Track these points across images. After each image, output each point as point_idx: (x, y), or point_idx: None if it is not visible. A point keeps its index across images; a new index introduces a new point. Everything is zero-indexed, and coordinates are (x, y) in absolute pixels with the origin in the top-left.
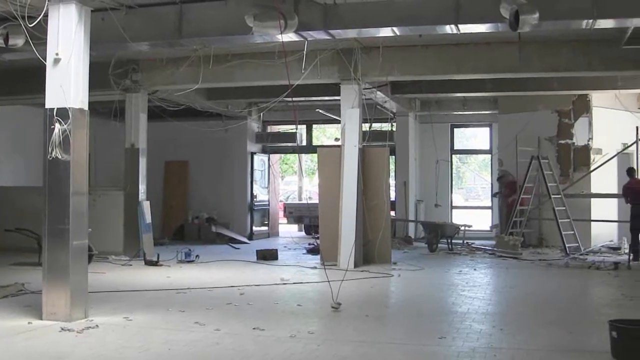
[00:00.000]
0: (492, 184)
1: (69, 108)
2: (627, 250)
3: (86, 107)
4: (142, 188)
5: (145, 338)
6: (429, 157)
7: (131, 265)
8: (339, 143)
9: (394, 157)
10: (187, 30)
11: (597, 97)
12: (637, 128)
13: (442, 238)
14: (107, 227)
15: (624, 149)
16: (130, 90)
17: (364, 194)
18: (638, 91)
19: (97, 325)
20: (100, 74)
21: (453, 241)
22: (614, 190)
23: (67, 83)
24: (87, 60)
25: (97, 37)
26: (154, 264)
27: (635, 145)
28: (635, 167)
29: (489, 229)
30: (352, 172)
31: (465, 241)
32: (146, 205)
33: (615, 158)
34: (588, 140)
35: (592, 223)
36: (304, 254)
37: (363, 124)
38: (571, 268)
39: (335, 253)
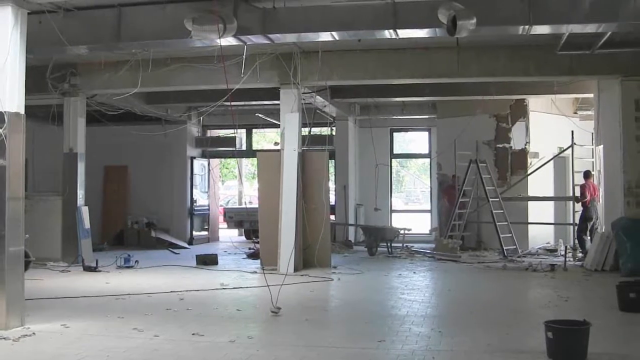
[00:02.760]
0: (431, 188)
1: (5, 112)
2: (562, 252)
3: (23, 111)
4: (80, 193)
5: (83, 345)
6: (369, 161)
7: (69, 271)
8: (278, 147)
9: (333, 161)
10: (125, 34)
11: (534, 102)
12: (572, 132)
13: (381, 242)
14: (45, 233)
15: (559, 153)
16: (68, 94)
17: (303, 198)
18: (573, 96)
19: (33, 333)
20: (37, 77)
21: (393, 245)
22: (551, 193)
23: (3, 87)
24: (23, 64)
25: (34, 40)
26: (93, 270)
27: (570, 149)
28: (590, 171)
29: (428, 232)
30: (291, 176)
31: (404, 244)
32: (85, 211)
33: (552, 161)
34: (525, 144)
35: (530, 225)
36: (244, 258)
37: (302, 128)
38: (509, 270)
39: (275, 257)
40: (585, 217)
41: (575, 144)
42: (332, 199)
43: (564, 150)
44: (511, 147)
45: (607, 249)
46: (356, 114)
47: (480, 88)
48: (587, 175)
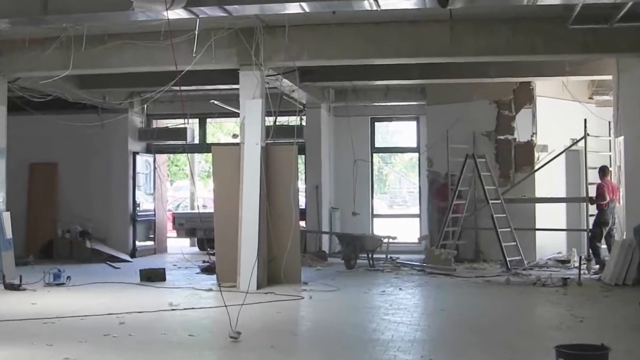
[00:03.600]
0: (420, 188)
1: None
2: (576, 264)
3: None
4: (0, 196)
5: None
6: (346, 156)
7: None
8: (237, 140)
9: (303, 156)
10: (54, 5)
11: (542, 86)
12: (584, 121)
13: (361, 252)
14: None
15: (571, 145)
16: None
17: (268, 201)
18: (588, 78)
19: None
20: None
21: (374, 256)
22: (562, 193)
23: None
24: None
25: None
26: (16, 288)
27: (583, 140)
28: (607, 166)
29: (417, 241)
30: (253, 175)
31: (389, 256)
32: (6, 217)
33: (563, 156)
34: (531, 136)
35: (537, 232)
36: (197, 273)
37: (267, 118)
38: (513, 285)
39: (235, 272)
40: (600, 221)
41: (588, 134)
42: (302, 202)
43: (576, 142)
44: (515, 139)
45: (630, 259)
46: (330, 101)
47: (478, 69)
48: (603, 172)
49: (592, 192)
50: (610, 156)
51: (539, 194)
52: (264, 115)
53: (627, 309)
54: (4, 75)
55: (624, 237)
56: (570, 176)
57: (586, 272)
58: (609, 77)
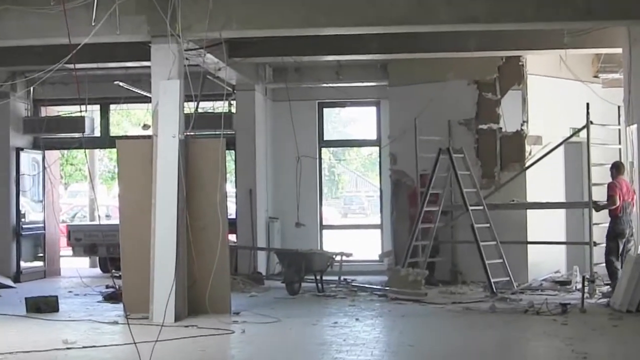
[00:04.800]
0: (381, 191)
1: None
2: (578, 286)
3: None
4: None
5: None
6: (287, 152)
7: None
8: (149, 132)
9: (233, 152)
10: None
11: (534, 62)
12: (587, 106)
13: (307, 274)
14: None
15: (572, 136)
16: None
17: (188, 210)
18: (592, 52)
19: None
20: None
21: (324, 278)
22: (561, 197)
23: None
24: None
25: None
26: None
27: (586, 130)
28: (622, 162)
29: (378, 258)
30: (169, 176)
31: (342, 278)
32: None
33: (562, 150)
34: (521, 125)
35: (530, 247)
36: (99, 302)
37: (186, 104)
38: (499, 314)
39: (147, 300)
40: (615, 231)
41: (592, 122)
42: (232, 211)
43: (577, 132)
44: (500, 128)
45: None
46: (267, 81)
47: (453, 41)
48: (617, 168)
49: (597, 195)
50: (620, 149)
51: (531, 198)
52: (183, 100)
53: None
54: None
55: (639, 252)
56: (571, 175)
57: (588, 295)
58: (619, 51)
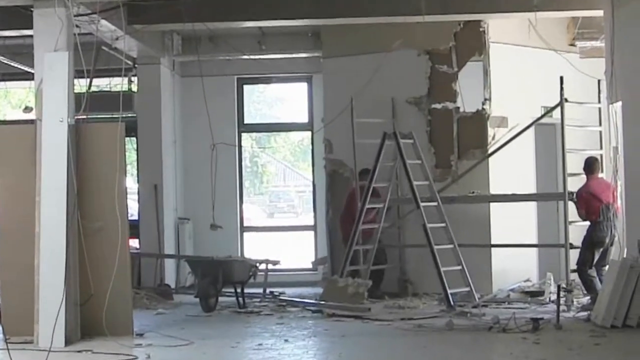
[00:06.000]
0: (314, 186)
1: None
2: (552, 297)
3: None
4: None
5: None
6: (200, 138)
7: None
8: (32, 116)
9: (134, 139)
10: None
11: (498, 27)
12: (561, 80)
13: (226, 286)
14: None
15: (543, 116)
16: None
17: (80, 210)
18: (567, 15)
19: None
20: None
21: (247, 291)
22: (532, 189)
23: None
24: None
25: None
26: None
27: (560, 108)
28: (596, 158)
29: (311, 266)
30: (57, 168)
31: (268, 290)
32: None
33: (531, 133)
34: (483, 103)
35: (494, 250)
36: None
37: (77, 81)
38: (458, 331)
39: (30, 320)
40: (593, 239)
41: (567, 100)
42: (134, 210)
43: (550, 112)
44: (458, 108)
45: (633, 287)
46: (175, 53)
47: (400, 3)
48: (589, 168)
49: (573, 186)
50: (600, 132)
51: (494, 191)
52: (73, 77)
53: None
54: None
55: (624, 256)
56: (542, 164)
57: (567, 308)
58: (599, 13)
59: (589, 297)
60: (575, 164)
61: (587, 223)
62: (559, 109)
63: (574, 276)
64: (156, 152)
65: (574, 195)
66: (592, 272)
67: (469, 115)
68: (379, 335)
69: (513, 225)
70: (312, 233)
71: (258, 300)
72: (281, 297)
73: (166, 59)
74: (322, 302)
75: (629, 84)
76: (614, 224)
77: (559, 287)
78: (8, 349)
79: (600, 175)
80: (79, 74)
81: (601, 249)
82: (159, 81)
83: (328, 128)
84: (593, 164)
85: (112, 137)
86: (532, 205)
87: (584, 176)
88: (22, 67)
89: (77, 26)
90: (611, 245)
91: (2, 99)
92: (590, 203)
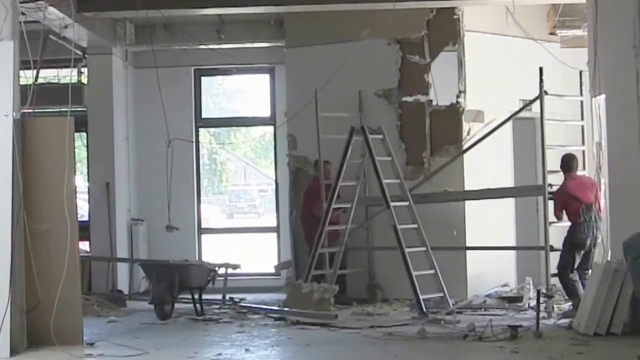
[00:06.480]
0: (277, 184)
1: None
2: (532, 302)
3: None
4: None
5: None
6: (155, 134)
7: None
8: None
9: (84, 134)
10: None
11: (474, 15)
12: (540, 71)
13: (183, 292)
14: None
15: (521, 109)
16: None
17: (26, 210)
18: (548, 1)
19: None
20: None
21: (205, 297)
22: (510, 183)
23: None
24: None
25: None
26: None
27: (539, 101)
28: (574, 155)
29: (274, 271)
30: (1, 166)
31: (228, 296)
32: None
33: (509, 128)
34: (457, 96)
35: (470, 253)
36: None
37: (22, 72)
38: (431, 340)
39: None
40: (573, 241)
41: (547, 92)
42: (85, 211)
43: (529, 105)
44: (431, 101)
45: (617, 293)
46: (128, 42)
47: None
48: (566, 166)
49: (553, 184)
50: (582, 127)
51: (469, 186)
52: (18, 68)
53: None
54: None
55: (608, 259)
56: (521, 161)
57: (547, 315)
58: (582, 0)
59: (570, 303)
60: (555, 160)
61: (568, 224)
62: (538, 102)
63: (555, 280)
64: (108, 149)
65: (553, 194)
66: (574, 276)
67: (442, 108)
68: (346, 343)
69: (490, 227)
70: (274, 235)
71: (217, 307)
72: (242, 304)
73: (118, 49)
74: (286, 309)
75: (612, 76)
76: (596, 225)
77: (538, 292)
78: None
79: (580, 172)
80: (25, 65)
81: (583, 251)
82: (110, 72)
83: (292, 123)
84: (570, 161)
85: (61, 133)
86: (510, 205)
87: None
88: None
89: (22, 14)
90: (594, 246)
91: None
92: (569, 204)
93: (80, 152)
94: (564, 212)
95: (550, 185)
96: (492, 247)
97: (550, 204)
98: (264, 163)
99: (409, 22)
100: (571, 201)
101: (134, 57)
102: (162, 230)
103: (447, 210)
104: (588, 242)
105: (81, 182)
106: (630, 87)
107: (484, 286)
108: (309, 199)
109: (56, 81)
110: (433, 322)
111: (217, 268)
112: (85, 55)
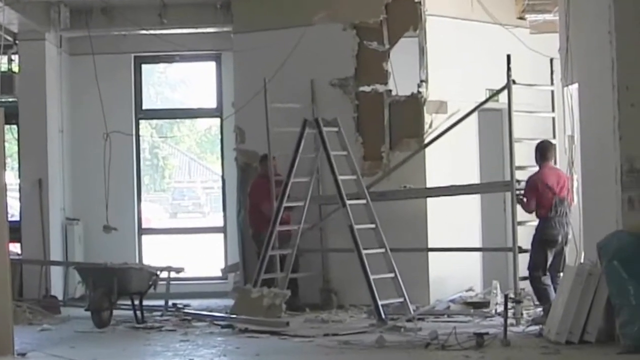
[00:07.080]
0: (224, 182)
1: None
2: (499, 308)
3: None
4: None
5: None
6: (91, 126)
7: None
8: None
9: (15, 127)
10: None
11: None
12: (507, 58)
13: (122, 297)
14: None
15: (488, 100)
16: None
17: None
18: None
19: None
20: None
21: (145, 303)
22: (475, 182)
23: None
24: None
25: None
26: None
27: (507, 91)
28: (551, 143)
29: (220, 274)
30: None
31: (171, 302)
32: None
33: (474, 120)
34: (419, 86)
35: (432, 255)
36: None
37: None
38: (391, 349)
39: None
40: (542, 238)
41: (515, 81)
42: (15, 210)
43: (496, 95)
44: (390, 91)
45: (591, 298)
46: (63, 27)
47: None
48: (542, 153)
49: (523, 177)
50: (553, 119)
51: (432, 182)
52: None
53: None
54: None
55: (582, 261)
56: (487, 155)
57: (516, 321)
58: None
59: (541, 309)
60: (524, 154)
61: (537, 221)
62: (505, 91)
63: (524, 284)
64: (40, 143)
65: (525, 183)
66: (546, 279)
67: (402, 99)
68: (298, 353)
69: (454, 226)
70: (221, 236)
71: (159, 314)
72: (185, 310)
73: (52, 35)
74: (233, 316)
75: (586, 64)
76: (568, 221)
77: (506, 297)
78: None
79: (553, 164)
80: None
81: (554, 249)
82: (43, 60)
83: (239, 114)
84: (547, 148)
85: None
86: (475, 203)
87: (535, 168)
88: None
89: None
90: (565, 244)
91: None
92: (543, 195)
93: (11, 147)
94: (535, 205)
95: (519, 181)
96: (456, 249)
97: (512, 200)
98: (209, 158)
99: (366, 6)
100: (545, 191)
101: (69, 43)
102: (100, 230)
103: (408, 209)
104: (559, 238)
105: (11, 178)
106: (606, 76)
107: (448, 291)
108: (256, 197)
109: None
110: (392, 329)
111: (159, 272)
112: (16, 42)
